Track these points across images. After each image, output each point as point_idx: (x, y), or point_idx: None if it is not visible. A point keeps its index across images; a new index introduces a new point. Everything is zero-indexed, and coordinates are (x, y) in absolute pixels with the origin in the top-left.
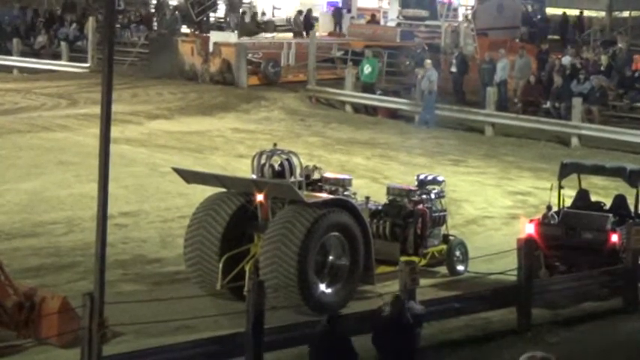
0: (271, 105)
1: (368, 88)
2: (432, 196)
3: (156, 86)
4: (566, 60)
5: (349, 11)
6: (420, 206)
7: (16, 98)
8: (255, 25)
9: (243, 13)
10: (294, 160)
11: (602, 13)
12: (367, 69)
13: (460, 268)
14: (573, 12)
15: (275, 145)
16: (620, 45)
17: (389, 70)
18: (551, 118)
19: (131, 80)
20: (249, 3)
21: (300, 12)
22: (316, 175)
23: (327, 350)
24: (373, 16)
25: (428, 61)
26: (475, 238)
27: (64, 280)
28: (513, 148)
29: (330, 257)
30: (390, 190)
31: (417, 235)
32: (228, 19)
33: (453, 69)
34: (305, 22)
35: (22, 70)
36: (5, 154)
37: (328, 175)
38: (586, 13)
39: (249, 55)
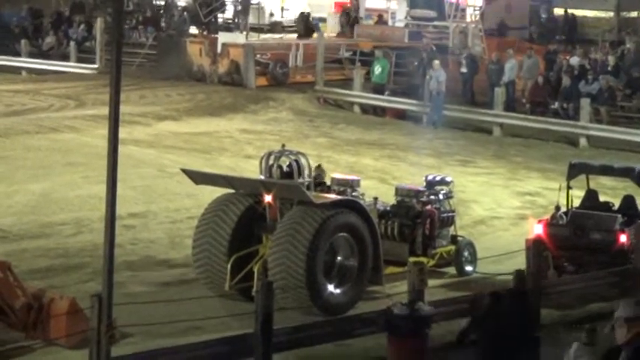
0: (279, 106)
1: (379, 88)
2: (441, 196)
3: (164, 87)
4: (575, 60)
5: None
6: (429, 207)
7: (24, 99)
8: (306, 25)
9: (305, 14)
10: (303, 160)
11: (611, 14)
12: (378, 69)
13: (469, 268)
14: (581, 12)
15: (283, 145)
16: (628, 45)
17: (397, 71)
18: (559, 119)
19: (139, 81)
20: (258, 4)
21: (347, 14)
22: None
23: (492, 324)
24: (380, 16)
25: (436, 62)
26: (483, 238)
27: (73, 281)
28: (521, 149)
29: (339, 258)
30: (398, 191)
31: (426, 235)
32: (237, 19)
33: (464, 70)
34: (352, 23)
35: (30, 71)
36: (14, 155)
37: (337, 175)
38: (594, 13)
39: (258, 56)
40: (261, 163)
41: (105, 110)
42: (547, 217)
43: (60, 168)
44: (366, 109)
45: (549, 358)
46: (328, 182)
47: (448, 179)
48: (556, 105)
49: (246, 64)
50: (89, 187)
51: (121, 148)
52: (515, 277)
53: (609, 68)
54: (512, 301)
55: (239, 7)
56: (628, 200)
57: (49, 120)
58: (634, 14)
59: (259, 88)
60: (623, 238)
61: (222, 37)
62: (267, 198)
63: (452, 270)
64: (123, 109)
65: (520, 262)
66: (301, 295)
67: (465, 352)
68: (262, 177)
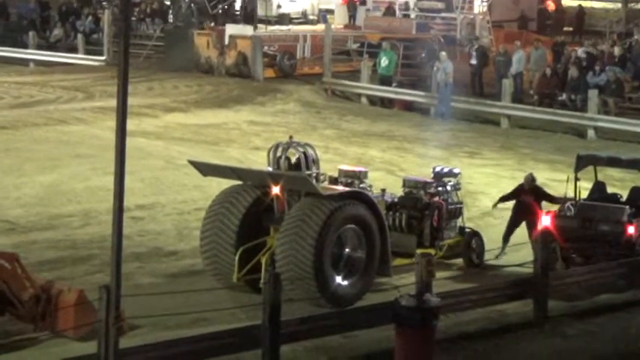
0: (287, 97)
1: (385, 80)
2: (448, 188)
3: (172, 79)
4: (582, 52)
5: (364, 3)
6: (436, 198)
7: (32, 91)
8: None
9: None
10: (310, 152)
11: (618, 5)
12: (384, 61)
13: (476, 260)
14: (588, 4)
15: (291, 137)
16: (636, 37)
17: (404, 63)
18: (567, 110)
19: (147, 73)
20: None
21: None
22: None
23: None
24: (389, 8)
25: (443, 54)
26: (491, 230)
27: (81, 273)
28: (529, 141)
29: (347, 250)
30: (406, 183)
31: (433, 227)
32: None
33: (473, 61)
34: None
35: (38, 63)
36: (22, 147)
37: (344, 167)
38: (602, 5)
39: (265, 47)
40: (268, 154)
41: (113, 102)
42: (555, 208)
43: (68, 160)
44: (373, 101)
45: (555, 349)
46: None
47: (456, 171)
48: (564, 96)
49: (253, 55)
50: (97, 179)
51: (128, 140)
52: None
53: (616, 60)
54: None
55: None
56: (636, 192)
57: (57, 112)
58: None
59: (267, 79)
60: (631, 230)
61: (230, 29)
62: (275, 190)
63: (459, 262)
64: (131, 100)
65: (528, 254)
66: (309, 287)
67: (473, 345)
68: (270, 168)
